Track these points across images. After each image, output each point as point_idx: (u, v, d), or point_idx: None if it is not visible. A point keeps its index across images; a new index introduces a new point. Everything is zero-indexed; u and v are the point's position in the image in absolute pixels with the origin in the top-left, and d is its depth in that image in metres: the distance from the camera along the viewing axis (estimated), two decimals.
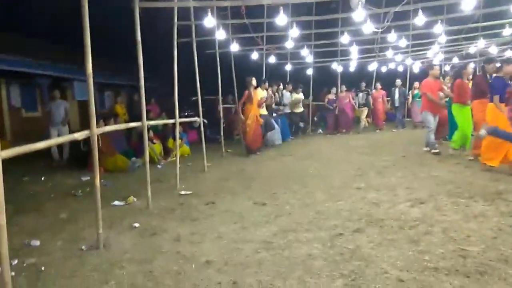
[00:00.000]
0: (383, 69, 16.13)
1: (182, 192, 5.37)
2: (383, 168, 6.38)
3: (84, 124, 9.09)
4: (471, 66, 7.42)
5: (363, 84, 13.90)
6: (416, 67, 15.80)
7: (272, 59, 12.32)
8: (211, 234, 3.63)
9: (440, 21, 9.52)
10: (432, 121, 7.31)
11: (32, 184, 6.56)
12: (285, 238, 3.43)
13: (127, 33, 5.07)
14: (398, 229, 3.50)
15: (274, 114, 10.46)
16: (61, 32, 8.99)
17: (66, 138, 3.36)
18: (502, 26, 10.33)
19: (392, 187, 5.04)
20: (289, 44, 10.72)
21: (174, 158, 6.50)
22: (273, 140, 9.91)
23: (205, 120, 7.69)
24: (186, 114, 11.42)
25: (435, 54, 14.01)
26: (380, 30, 9.18)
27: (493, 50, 12.59)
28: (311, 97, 13.59)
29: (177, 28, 6.15)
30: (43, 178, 6.90)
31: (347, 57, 13.74)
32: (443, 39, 10.98)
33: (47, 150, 5.24)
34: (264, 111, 9.15)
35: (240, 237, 3.53)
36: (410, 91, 13.53)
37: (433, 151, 7.20)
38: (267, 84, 9.57)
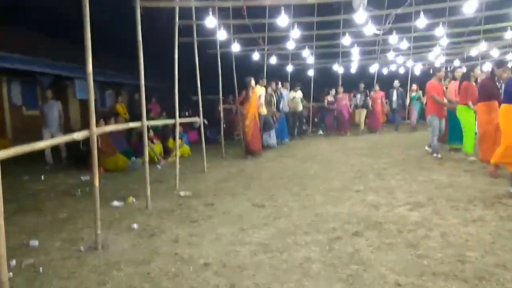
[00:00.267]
0: (384, 71, 16.08)
1: (182, 193, 5.36)
2: (383, 171, 6.37)
3: (85, 123, 9.09)
4: (479, 68, 7.38)
5: (362, 85, 13.53)
6: (417, 69, 15.76)
7: (273, 60, 12.34)
8: (210, 236, 3.63)
9: (441, 23, 9.51)
10: (437, 126, 7.26)
11: (32, 183, 6.57)
12: (283, 240, 3.43)
13: (128, 31, 5.07)
14: (397, 232, 3.50)
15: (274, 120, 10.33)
16: (61, 27, 8.99)
17: (65, 138, 3.35)
18: (504, 28, 10.33)
19: (391, 190, 5.04)
20: (290, 45, 10.71)
21: (174, 158, 6.50)
22: (268, 142, 9.73)
23: (205, 121, 7.68)
24: (186, 114, 11.42)
25: (436, 56, 13.97)
26: (381, 32, 9.19)
27: (495, 53, 12.57)
28: (312, 103, 13.57)
29: (179, 28, 6.17)
30: (43, 177, 6.91)
31: (348, 58, 13.73)
32: (444, 41, 10.97)
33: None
34: (264, 111, 9.14)
35: (239, 239, 3.52)
36: (408, 94, 13.32)
37: (435, 155, 7.18)
38: (265, 81, 9.52)
